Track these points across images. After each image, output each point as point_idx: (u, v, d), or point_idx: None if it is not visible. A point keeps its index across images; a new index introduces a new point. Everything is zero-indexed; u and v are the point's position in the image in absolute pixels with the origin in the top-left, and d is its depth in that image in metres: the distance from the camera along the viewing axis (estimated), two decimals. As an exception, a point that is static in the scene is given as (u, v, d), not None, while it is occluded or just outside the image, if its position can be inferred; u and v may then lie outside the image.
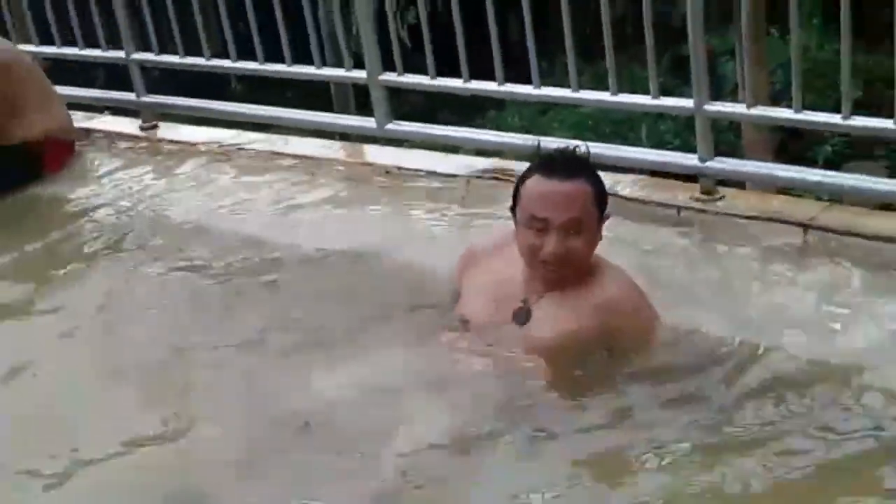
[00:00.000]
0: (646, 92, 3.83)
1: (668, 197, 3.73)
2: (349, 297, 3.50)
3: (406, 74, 4.34)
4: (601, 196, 2.97)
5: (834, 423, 2.64)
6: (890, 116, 3.33)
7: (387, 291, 3.51)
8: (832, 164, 6.16)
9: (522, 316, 2.99)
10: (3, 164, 4.53)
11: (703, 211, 3.62)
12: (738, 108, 3.82)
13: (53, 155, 4.69)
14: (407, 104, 4.54)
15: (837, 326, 3.01)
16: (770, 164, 4.05)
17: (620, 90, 3.85)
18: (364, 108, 4.49)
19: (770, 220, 3.48)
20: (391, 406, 2.88)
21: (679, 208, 3.66)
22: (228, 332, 3.40)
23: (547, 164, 2.97)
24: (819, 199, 3.90)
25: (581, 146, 3.08)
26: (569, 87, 3.95)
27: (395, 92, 4.41)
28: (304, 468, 2.72)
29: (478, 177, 4.10)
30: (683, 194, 3.73)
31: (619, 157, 3.98)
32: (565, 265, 2.92)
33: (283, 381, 3.10)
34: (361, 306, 3.43)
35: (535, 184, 2.94)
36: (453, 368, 3.01)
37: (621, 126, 6.86)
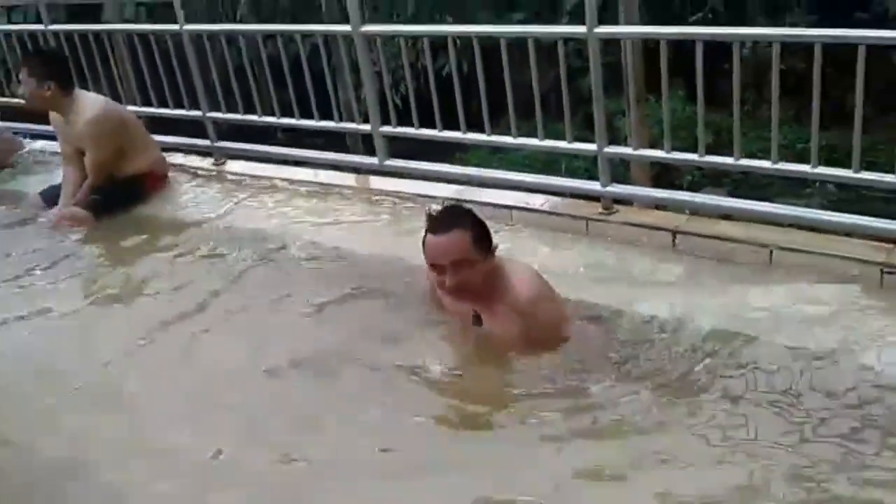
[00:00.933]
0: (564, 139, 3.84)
1: (580, 211, 3.74)
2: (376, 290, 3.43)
3: (398, 127, 4.33)
4: (479, 237, 2.76)
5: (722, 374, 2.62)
6: (731, 155, 3.39)
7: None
8: (692, 189, 6.19)
9: (478, 321, 2.86)
10: (117, 192, 4.47)
11: (603, 221, 3.64)
12: (627, 150, 3.83)
13: (152, 184, 4.63)
14: (400, 147, 4.53)
15: (702, 300, 3.02)
16: (649, 189, 4.06)
17: (546, 138, 3.87)
18: (370, 150, 4.49)
19: (650, 227, 3.51)
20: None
21: (587, 219, 3.69)
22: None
23: (430, 223, 2.79)
24: (683, 212, 3.93)
25: (455, 203, 3.01)
26: (511, 135, 3.98)
27: (391, 139, 4.39)
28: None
29: (451, 198, 4.09)
30: (590, 209, 3.74)
31: (546, 184, 3.99)
32: (466, 290, 2.80)
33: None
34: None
35: (427, 240, 2.79)
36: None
37: (549, 164, 6.83)
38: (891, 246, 3.08)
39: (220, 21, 7.19)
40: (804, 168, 3.24)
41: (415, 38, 4.56)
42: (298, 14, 6.85)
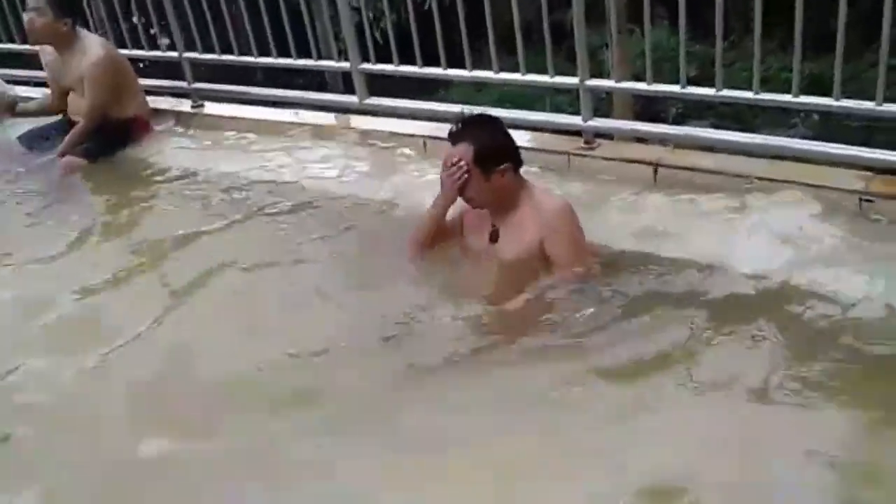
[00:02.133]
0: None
1: (561, 146, 3.71)
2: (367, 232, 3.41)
3: (378, 64, 4.26)
4: (482, 154, 2.78)
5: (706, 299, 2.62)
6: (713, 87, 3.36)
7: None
8: (676, 122, 6.17)
9: (495, 236, 2.88)
10: (106, 135, 4.44)
11: (585, 156, 3.62)
12: (608, 83, 3.78)
13: (139, 128, 4.59)
14: (383, 85, 4.46)
15: (687, 231, 3.02)
16: (630, 122, 4.03)
17: (529, 72, 3.81)
18: (351, 89, 4.42)
19: (632, 161, 3.48)
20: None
21: (569, 154, 3.66)
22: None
23: (448, 132, 2.87)
24: (666, 145, 3.91)
25: (486, 114, 2.96)
26: (492, 70, 3.92)
27: (372, 77, 4.32)
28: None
29: (432, 136, 4.06)
30: (573, 145, 3.71)
31: (526, 119, 3.94)
32: (473, 201, 2.86)
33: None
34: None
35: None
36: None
37: (531, 99, 6.77)
38: (870, 174, 3.07)
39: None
40: (785, 97, 3.21)
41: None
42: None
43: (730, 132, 3.46)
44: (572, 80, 3.69)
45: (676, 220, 3.10)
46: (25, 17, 4.43)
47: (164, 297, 3.17)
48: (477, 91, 7.11)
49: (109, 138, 4.45)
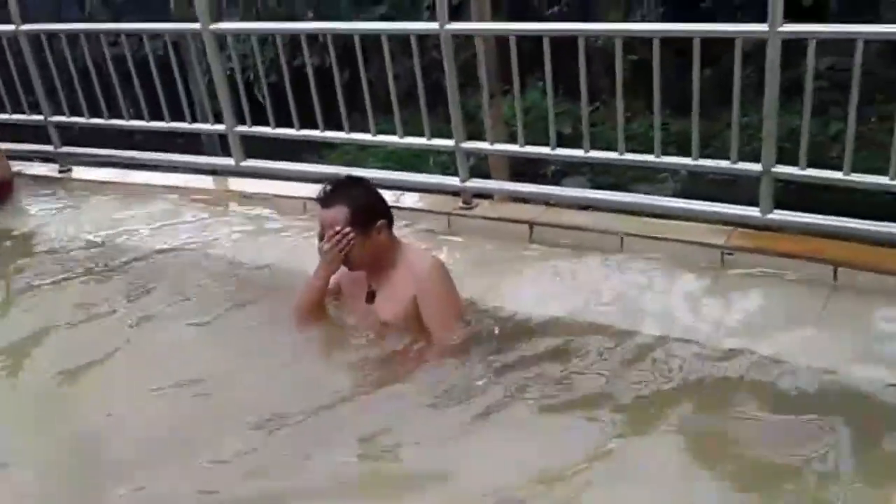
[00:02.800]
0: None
1: (442, 207, 3.75)
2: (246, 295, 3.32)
3: (255, 126, 4.20)
4: (359, 213, 2.80)
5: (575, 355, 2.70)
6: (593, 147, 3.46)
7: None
8: (555, 177, 6.32)
9: (371, 297, 2.88)
10: None
11: (463, 216, 3.67)
12: (483, 145, 3.83)
13: None
14: (263, 146, 4.39)
15: (556, 286, 3.11)
16: (506, 182, 4.11)
17: (410, 132, 3.84)
18: (226, 151, 4.35)
19: (508, 220, 3.55)
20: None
21: (449, 214, 3.69)
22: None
23: (318, 195, 2.87)
24: (542, 203, 3.98)
25: (354, 175, 3.02)
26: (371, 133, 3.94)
27: (251, 139, 4.26)
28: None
29: (312, 198, 4.02)
30: (452, 205, 3.75)
31: (407, 181, 3.98)
32: (348, 264, 2.86)
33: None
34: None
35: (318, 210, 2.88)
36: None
37: (417, 157, 6.84)
38: (730, 229, 3.23)
39: (69, 18, 6.78)
40: (649, 157, 3.35)
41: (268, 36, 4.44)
42: (149, 8, 6.53)
43: (600, 192, 3.58)
44: (448, 143, 3.74)
45: (546, 280, 3.17)
46: None
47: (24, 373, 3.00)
48: (361, 150, 7.13)
49: None
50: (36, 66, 4.49)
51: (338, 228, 2.80)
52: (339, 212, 2.81)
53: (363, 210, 2.83)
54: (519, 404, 2.54)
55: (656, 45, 3.12)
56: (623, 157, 3.36)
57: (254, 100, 4.31)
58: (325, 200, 2.84)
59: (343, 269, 2.93)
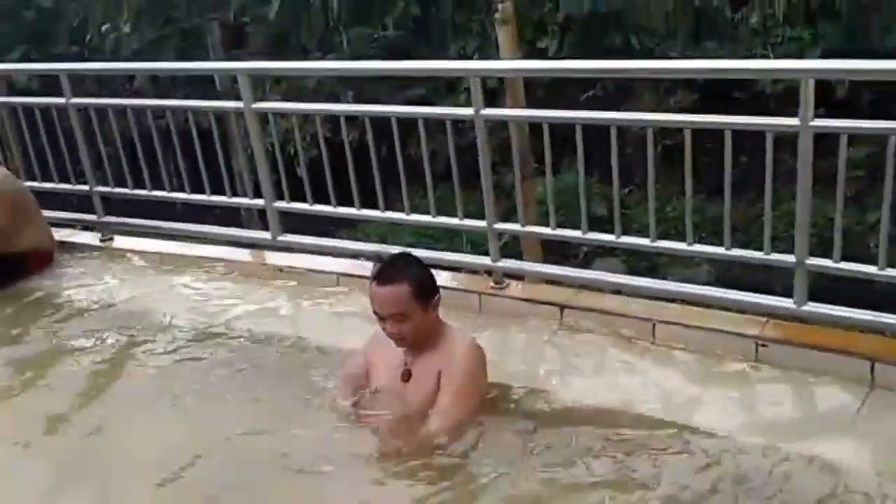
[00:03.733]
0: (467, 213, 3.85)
1: (473, 286, 3.75)
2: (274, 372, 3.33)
3: (293, 202, 4.28)
4: (420, 290, 2.78)
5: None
6: (625, 229, 3.47)
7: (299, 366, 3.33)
8: (588, 257, 6.34)
9: (407, 375, 2.85)
10: (4, 270, 4.27)
11: (495, 296, 3.66)
12: (515, 227, 3.87)
13: (39, 261, 4.45)
14: (298, 219, 4.46)
15: (586, 373, 3.09)
16: (538, 265, 4.11)
17: (444, 209, 3.88)
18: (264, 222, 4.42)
19: (539, 302, 3.55)
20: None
21: (480, 294, 3.69)
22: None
23: (375, 273, 2.83)
24: (571, 286, 3.97)
25: (405, 252, 2.98)
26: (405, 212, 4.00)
27: (284, 214, 4.35)
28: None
29: (346, 273, 4.07)
30: (483, 284, 3.75)
31: (439, 259, 3.97)
32: (405, 340, 2.82)
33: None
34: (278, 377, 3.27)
35: (371, 289, 2.82)
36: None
37: (450, 233, 6.88)
38: (764, 319, 3.19)
39: (116, 91, 7.05)
40: (681, 246, 3.35)
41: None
42: (196, 87, 6.77)
43: (633, 277, 3.57)
44: (480, 224, 3.77)
45: (576, 363, 3.15)
46: None
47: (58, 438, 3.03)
48: (394, 226, 7.21)
49: (7, 270, 4.29)
50: (83, 137, 4.64)
51: (397, 311, 2.76)
52: (401, 290, 2.77)
53: (423, 286, 2.81)
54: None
55: (688, 136, 3.15)
56: (655, 244, 3.37)
57: (292, 173, 4.41)
58: (382, 278, 2.79)
59: (376, 335, 2.92)
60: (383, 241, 5.02)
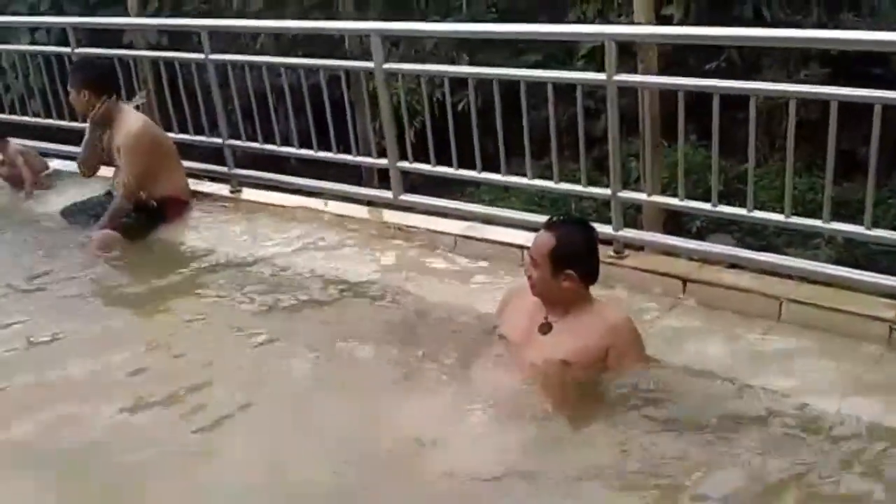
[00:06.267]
0: (577, 180, 3.87)
1: None
2: (395, 328, 3.42)
3: (415, 163, 4.35)
4: (559, 254, 2.86)
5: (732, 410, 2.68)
6: (741, 205, 3.41)
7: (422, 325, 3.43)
8: (700, 232, 6.18)
9: (546, 328, 2.93)
10: (146, 214, 4.54)
11: (615, 265, 3.64)
12: (641, 196, 3.84)
13: (176, 208, 4.68)
14: (410, 178, 4.55)
15: (716, 346, 3.07)
16: (662, 235, 4.05)
17: (559, 176, 3.88)
18: (381, 180, 4.51)
19: (661, 274, 3.51)
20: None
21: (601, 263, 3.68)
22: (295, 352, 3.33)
23: (549, 218, 3.02)
24: (692, 259, 3.93)
25: (583, 220, 3.13)
26: (526, 175, 4.01)
27: (405, 173, 4.44)
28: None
29: (463, 235, 4.13)
30: (601, 253, 3.75)
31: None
32: (534, 288, 2.92)
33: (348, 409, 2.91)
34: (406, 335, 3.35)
35: None
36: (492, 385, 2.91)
37: (558, 201, 6.82)
38: (896, 302, 3.09)
39: (241, 48, 7.26)
40: (817, 223, 3.26)
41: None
42: (316, 45, 6.89)
43: (760, 253, 3.49)
44: (604, 192, 3.76)
45: (704, 339, 3.12)
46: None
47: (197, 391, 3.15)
48: (504, 190, 7.21)
49: (146, 215, 4.55)
50: (219, 93, 4.82)
51: (534, 256, 2.90)
52: (546, 240, 2.90)
53: (562, 252, 2.88)
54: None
55: (834, 108, 3.04)
56: (788, 220, 3.28)
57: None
58: (547, 224, 2.98)
59: (521, 285, 3.02)
60: (492, 206, 5.04)
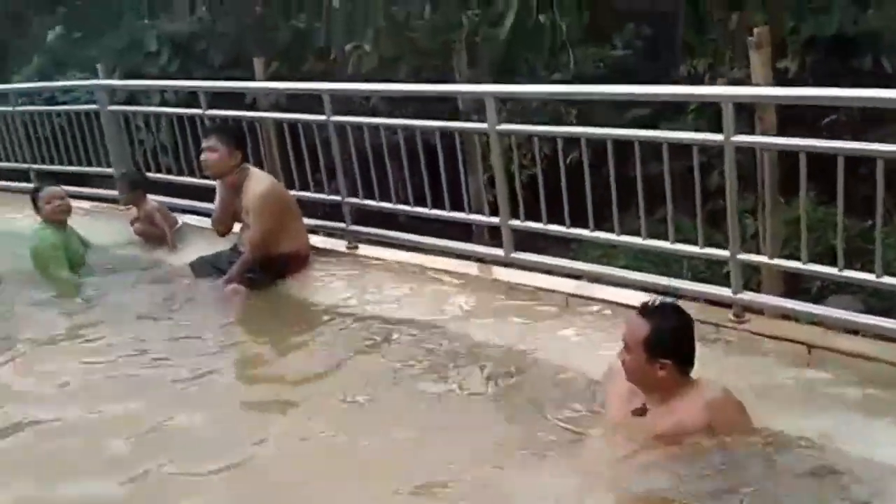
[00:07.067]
0: (689, 238, 3.82)
1: (710, 317, 3.64)
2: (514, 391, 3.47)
3: (527, 221, 4.37)
4: (654, 342, 2.82)
5: None
6: (866, 269, 3.31)
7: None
8: (822, 293, 5.93)
9: (641, 412, 2.91)
10: (268, 266, 4.73)
11: (735, 329, 3.56)
12: (762, 259, 3.76)
13: (297, 263, 4.85)
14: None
15: (846, 421, 2.95)
16: (784, 300, 3.91)
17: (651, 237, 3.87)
18: (490, 237, 4.55)
19: (784, 340, 3.41)
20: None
21: (717, 325, 3.59)
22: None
23: (643, 302, 2.98)
24: (814, 323, 3.77)
25: (677, 304, 3.05)
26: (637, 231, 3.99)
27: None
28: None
29: (574, 294, 4.13)
30: (719, 315, 3.65)
31: (672, 286, 3.93)
32: (626, 372, 2.90)
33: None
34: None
35: None
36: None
37: (669, 258, 6.68)
38: None
39: (354, 105, 7.54)
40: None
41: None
42: (427, 99, 7.05)
43: (888, 319, 3.34)
44: (723, 253, 3.69)
45: (834, 413, 3.00)
46: (203, 151, 4.85)
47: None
48: (612, 247, 7.15)
49: (271, 270, 4.74)
50: (339, 152, 5.01)
51: (628, 341, 2.87)
52: (640, 327, 2.86)
53: (658, 340, 2.84)
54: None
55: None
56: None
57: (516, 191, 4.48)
58: (640, 308, 2.93)
59: (613, 365, 3.01)
60: (597, 261, 5.02)
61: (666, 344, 2.83)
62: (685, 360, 2.88)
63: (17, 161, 6.99)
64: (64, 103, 7.50)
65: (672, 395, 2.86)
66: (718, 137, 3.54)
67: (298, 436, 3.34)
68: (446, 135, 4.67)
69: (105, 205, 6.40)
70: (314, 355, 4.00)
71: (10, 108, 6.92)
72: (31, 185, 6.08)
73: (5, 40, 11.25)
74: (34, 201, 5.30)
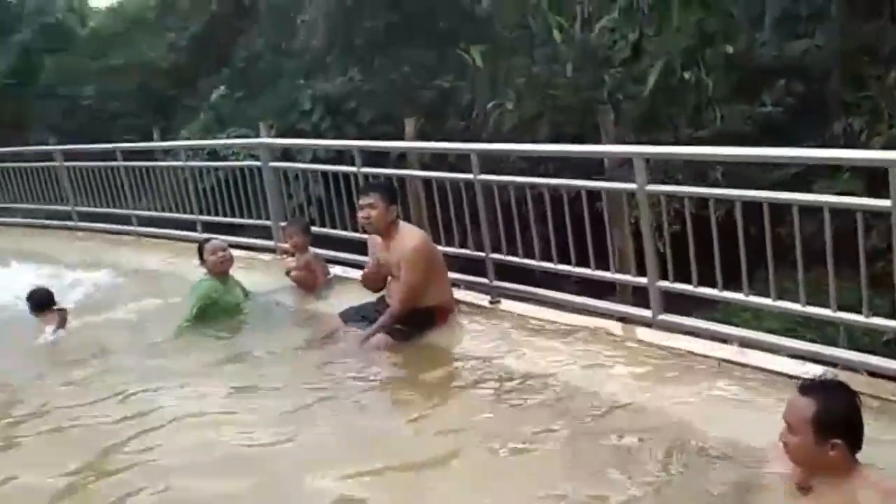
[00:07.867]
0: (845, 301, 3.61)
1: (875, 390, 3.40)
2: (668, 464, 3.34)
3: (676, 283, 4.30)
4: (821, 419, 2.68)
5: None
6: None
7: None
8: None
9: (805, 491, 2.76)
10: (414, 319, 4.83)
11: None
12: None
13: (442, 316, 4.94)
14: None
15: None
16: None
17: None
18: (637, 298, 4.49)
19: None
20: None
21: (886, 401, 3.34)
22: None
23: (803, 381, 2.85)
24: None
25: (843, 382, 2.86)
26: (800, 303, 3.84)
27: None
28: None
29: (726, 360, 3.98)
30: (880, 388, 3.41)
31: (834, 356, 3.73)
32: (790, 457, 2.77)
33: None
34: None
35: None
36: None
37: (826, 325, 6.32)
38: None
39: (494, 162, 7.65)
40: None
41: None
42: (569, 159, 7.11)
43: None
44: (858, 318, 3.53)
45: None
46: (360, 209, 5.01)
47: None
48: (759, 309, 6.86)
49: (417, 322, 4.85)
50: (484, 209, 5.10)
51: (791, 421, 2.74)
52: (806, 406, 2.73)
53: (828, 419, 2.70)
54: None
55: None
56: None
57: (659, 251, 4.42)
58: (802, 388, 2.80)
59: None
60: (746, 324, 4.83)
61: (837, 423, 2.69)
62: (858, 439, 2.72)
63: (185, 212, 7.52)
64: (224, 158, 8.02)
65: (839, 480, 2.70)
66: (885, 203, 3.37)
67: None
68: (592, 193, 4.68)
69: (260, 253, 6.77)
70: (458, 408, 4.04)
71: (181, 163, 7.50)
72: (196, 235, 6.50)
73: (176, 98, 12.27)
74: (200, 252, 5.65)
